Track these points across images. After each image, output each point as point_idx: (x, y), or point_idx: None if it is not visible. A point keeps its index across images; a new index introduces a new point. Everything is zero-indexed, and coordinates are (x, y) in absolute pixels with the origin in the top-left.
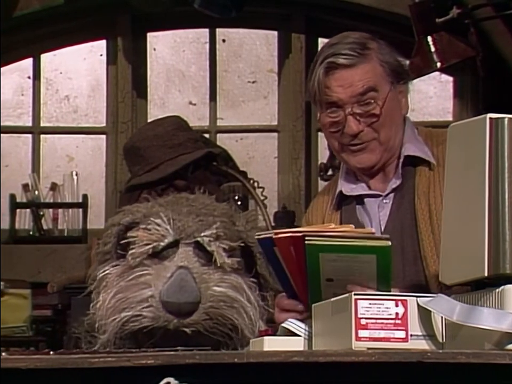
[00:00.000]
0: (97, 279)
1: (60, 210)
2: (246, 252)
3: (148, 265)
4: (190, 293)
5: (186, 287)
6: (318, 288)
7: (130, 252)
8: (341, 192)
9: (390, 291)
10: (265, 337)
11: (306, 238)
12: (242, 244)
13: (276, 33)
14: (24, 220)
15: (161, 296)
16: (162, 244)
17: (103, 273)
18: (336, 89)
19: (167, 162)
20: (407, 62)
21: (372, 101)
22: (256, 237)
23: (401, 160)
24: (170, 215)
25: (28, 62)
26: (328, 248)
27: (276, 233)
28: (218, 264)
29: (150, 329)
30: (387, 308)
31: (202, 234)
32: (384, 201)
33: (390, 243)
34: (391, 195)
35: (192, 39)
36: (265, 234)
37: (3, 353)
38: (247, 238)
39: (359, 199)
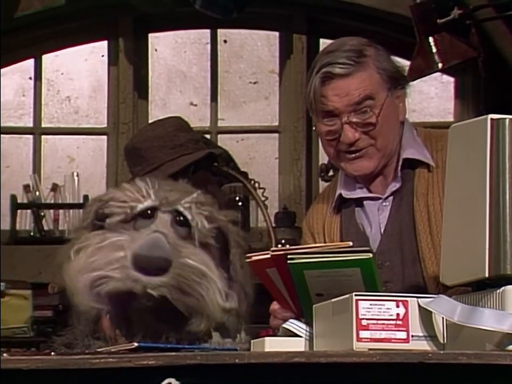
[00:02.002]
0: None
1: (61, 211)
2: (221, 242)
3: (123, 232)
4: (162, 250)
5: (159, 244)
6: (310, 304)
7: (107, 211)
8: (340, 195)
9: None
10: (266, 338)
11: (288, 257)
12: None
13: (277, 34)
14: (25, 221)
15: (132, 252)
16: (141, 205)
17: (78, 246)
18: (332, 98)
19: (168, 163)
20: (405, 67)
21: (368, 109)
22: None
23: (400, 163)
24: (155, 183)
25: (29, 62)
26: (311, 266)
27: (249, 257)
28: (199, 226)
29: (118, 294)
30: (388, 308)
31: (182, 201)
32: (384, 203)
33: (371, 255)
34: (391, 198)
35: (193, 40)
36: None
37: (4, 354)
38: (225, 225)
39: (359, 202)
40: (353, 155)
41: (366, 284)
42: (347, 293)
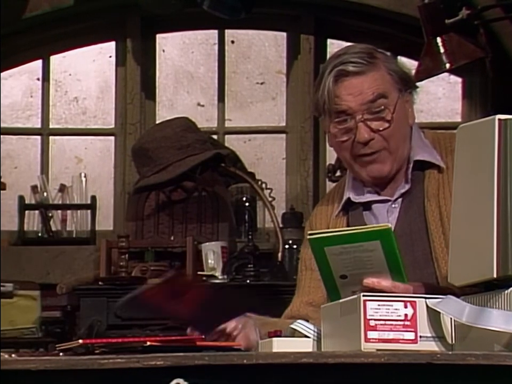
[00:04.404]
0: None
1: (69, 212)
2: None
3: None
4: None
5: None
6: (335, 288)
7: None
8: (348, 198)
9: (405, 280)
10: (274, 339)
11: (309, 232)
12: None
13: (284, 34)
14: (33, 222)
15: None
16: None
17: None
18: (346, 98)
19: (175, 163)
20: (413, 70)
21: (383, 107)
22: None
23: (410, 165)
24: None
25: (37, 63)
26: (331, 241)
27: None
28: None
29: None
30: (396, 309)
31: None
32: (393, 205)
33: (390, 225)
34: (400, 199)
35: (201, 40)
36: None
37: (13, 355)
38: None
39: (367, 205)
40: (368, 158)
41: (389, 260)
42: (370, 272)
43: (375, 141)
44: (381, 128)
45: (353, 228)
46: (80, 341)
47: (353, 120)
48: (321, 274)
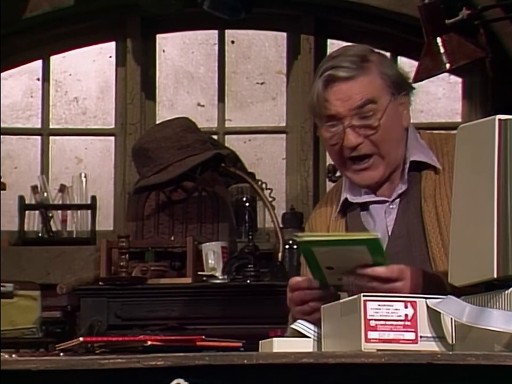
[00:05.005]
0: None
1: (69, 212)
2: None
3: None
4: None
5: None
6: (322, 277)
7: None
8: (346, 199)
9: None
10: (275, 339)
11: (298, 235)
12: None
13: (284, 34)
14: (33, 222)
15: None
16: None
17: None
18: (335, 103)
19: (175, 163)
20: (410, 74)
21: (371, 113)
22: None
23: (407, 166)
24: None
25: (37, 64)
26: (320, 243)
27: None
28: None
29: None
30: (396, 309)
31: None
32: (391, 206)
33: (379, 235)
34: (397, 200)
35: (201, 41)
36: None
37: (13, 355)
38: None
39: (364, 206)
40: (360, 166)
41: (375, 261)
42: (356, 265)
43: (363, 145)
44: (367, 134)
45: (341, 234)
46: (81, 338)
47: (341, 125)
48: (308, 266)
